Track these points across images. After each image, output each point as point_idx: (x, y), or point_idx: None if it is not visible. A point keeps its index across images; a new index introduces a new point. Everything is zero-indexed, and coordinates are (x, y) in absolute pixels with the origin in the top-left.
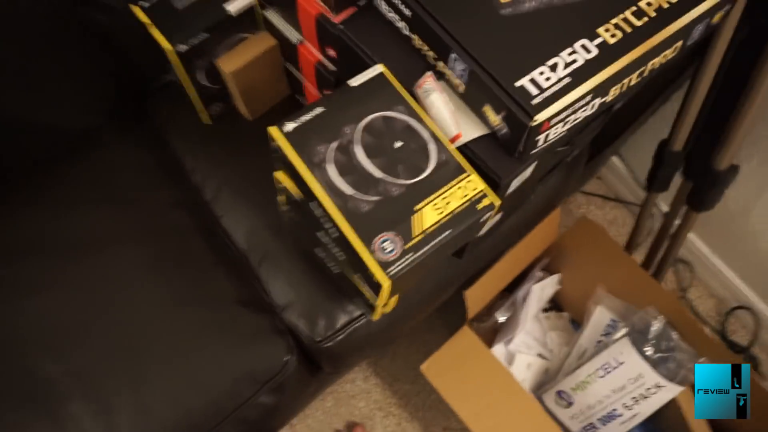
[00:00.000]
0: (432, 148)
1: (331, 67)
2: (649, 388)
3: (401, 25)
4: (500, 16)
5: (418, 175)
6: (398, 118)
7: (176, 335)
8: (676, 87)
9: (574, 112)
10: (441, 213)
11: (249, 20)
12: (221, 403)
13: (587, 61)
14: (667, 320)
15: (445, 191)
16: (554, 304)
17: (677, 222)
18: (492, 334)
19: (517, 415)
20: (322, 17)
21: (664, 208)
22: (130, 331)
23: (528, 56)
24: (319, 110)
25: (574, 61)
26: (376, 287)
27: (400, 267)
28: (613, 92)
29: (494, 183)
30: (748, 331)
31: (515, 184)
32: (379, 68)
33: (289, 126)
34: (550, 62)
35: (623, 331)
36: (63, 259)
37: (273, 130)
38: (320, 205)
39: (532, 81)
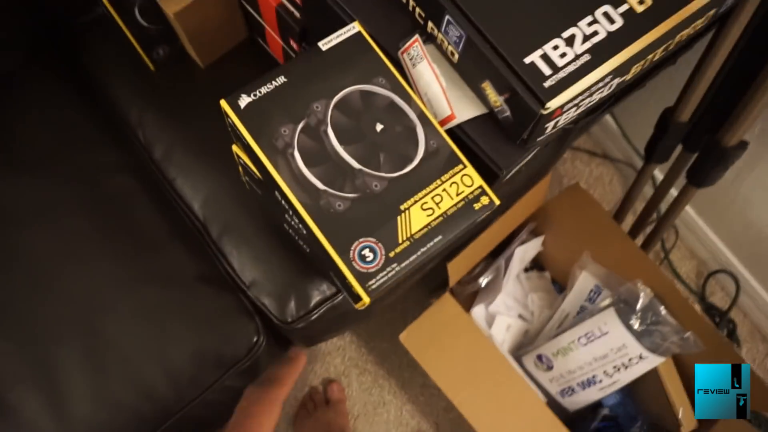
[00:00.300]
0: (420, 132)
1: (295, 13)
2: (631, 359)
3: None
4: None
5: (403, 167)
6: (379, 93)
7: (132, 316)
8: (685, 49)
9: (590, 95)
10: (431, 214)
11: None
12: (185, 389)
13: (610, 35)
14: (654, 293)
15: (436, 187)
16: (536, 264)
17: (672, 192)
18: (474, 298)
19: (495, 383)
20: None
21: (658, 175)
22: (81, 311)
23: (541, 25)
24: (281, 80)
25: (594, 34)
26: (354, 297)
27: (382, 281)
28: (635, 70)
29: (492, 174)
30: (726, 294)
31: (512, 170)
32: (354, 27)
33: (245, 100)
34: (567, 34)
35: (608, 300)
36: None
37: (225, 105)
38: (286, 199)
39: (545, 57)
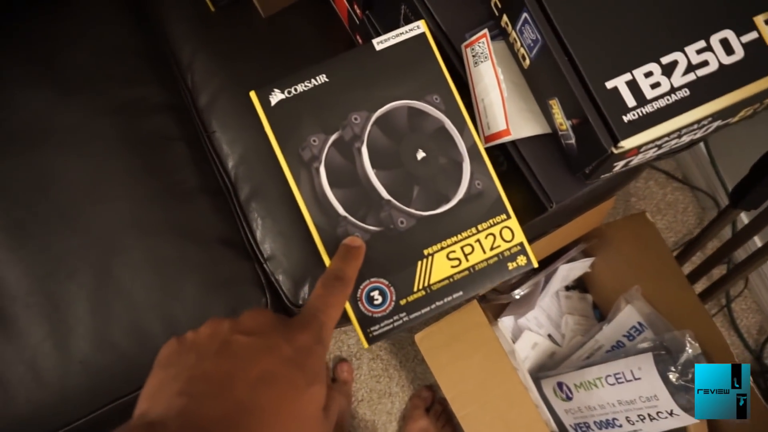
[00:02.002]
0: (466, 168)
1: None
2: (660, 412)
3: None
4: None
5: (437, 206)
6: (430, 114)
7: (145, 264)
8: None
9: (679, 137)
10: (456, 266)
11: None
12: None
13: (723, 68)
14: (702, 350)
15: (470, 236)
16: (579, 284)
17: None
18: (502, 309)
19: (505, 405)
20: None
21: (742, 217)
22: (98, 250)
23: (636, 44)
24: (321, 79)
25: (703, 64)
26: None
27: (386, 329)
28: (744, 113)
29: (540, 205)
30: None
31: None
32: (419, 27)
33: (277, 96)
34: (667, 59)
35: (648, 343)
36: (24, 146)
37: (254, 98)
38: (302, 216)
39: (632, 84)
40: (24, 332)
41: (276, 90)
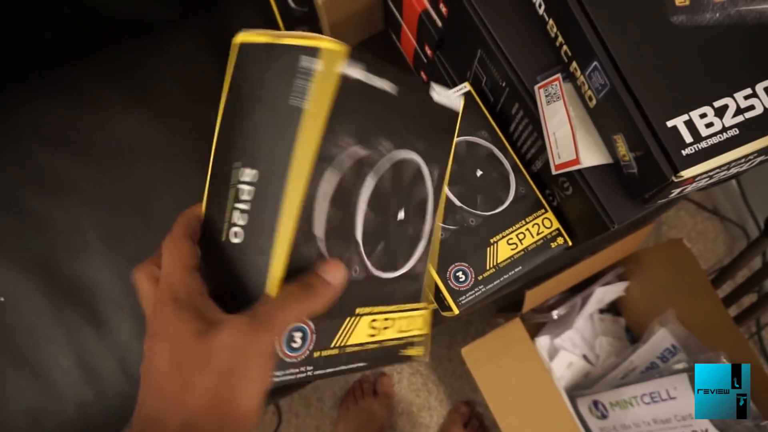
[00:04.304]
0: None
1: (438, 22)
2: (695, 431)
3: (538, 1)
4: (669, 25)
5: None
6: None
7: None
8: None
9: (728, 170)
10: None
11: None
12: None
13: (767, 111)
14: None
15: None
16: (612, 308)
17: None
18: (539, 328)
19: (546, 418)
20: None
21: None
22: None
23: (692, 90)
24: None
25: (750, 108)
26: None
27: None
28: None
29: (602, 225)
30: None
31: (624, 224)
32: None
33: (356, 69)
34: (719, 104)
35: (683, 364)
36: (118, 163)
37: (339, 52)
38: None
39: (689, 124)
40: (115, 331)
41: (361, 65)
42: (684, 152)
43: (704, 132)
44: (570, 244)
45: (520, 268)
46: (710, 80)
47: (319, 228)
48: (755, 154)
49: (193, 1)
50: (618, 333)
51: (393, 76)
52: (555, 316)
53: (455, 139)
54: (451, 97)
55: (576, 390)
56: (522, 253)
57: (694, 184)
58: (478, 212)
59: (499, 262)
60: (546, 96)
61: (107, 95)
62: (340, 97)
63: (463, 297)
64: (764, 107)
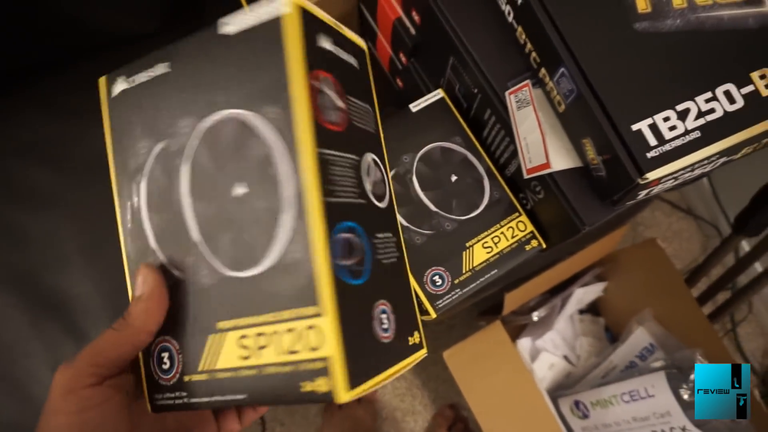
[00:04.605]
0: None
1: (411, 30)
2: (673, 428)
3: (506, 9)
4: (632, 31)
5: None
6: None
7: None
8: None
9: (692, 171)
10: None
11: None
12: None
13: (727, 114)
14: None
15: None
16: (592, 308)
17: (755, 266)
18: (520, 330)
19: (529, 420)
20: None
21: (743, 245)
22: None
23: (656, 94)
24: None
25: (710, 111)
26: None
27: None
28: (746, 151)
29: (574, 227)
30: None
31: (595, 226)
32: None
33: (120, 85)
34: (681, 107)
35: (661, 362)
36: (79, 176)
37: (102, 85)
38: None
39: (653, 127)
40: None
41: (120, 77)
42: (649, 155)
43: (668, 135)
44: (544, 246)
45: (496, 271)
46: (673, 84)
47: (152, 238)
48: (717, 156)
49: (172, 13)
50: (598, 333)
51: (161, 57)
52: (535, 318)
53: (300, 47)
54: (259, 11)
55: (558, 390)
56: (497, 256)
57: (660, 186)
58: (454, 217)
59: (475, 265)
60: (516, 102)
61: (86, 108)
62: (112, 117)
63: (441, 301)
64: (724, 110)
